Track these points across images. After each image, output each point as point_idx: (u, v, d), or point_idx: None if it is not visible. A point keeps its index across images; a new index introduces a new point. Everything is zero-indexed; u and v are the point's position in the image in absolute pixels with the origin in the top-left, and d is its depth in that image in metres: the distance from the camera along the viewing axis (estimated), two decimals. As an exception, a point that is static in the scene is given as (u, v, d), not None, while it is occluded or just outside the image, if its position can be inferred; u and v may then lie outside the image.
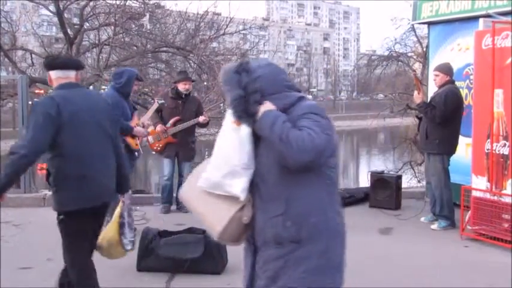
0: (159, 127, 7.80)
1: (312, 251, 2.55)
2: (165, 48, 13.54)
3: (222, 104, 13.13)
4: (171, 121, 7.85)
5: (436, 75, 7.14)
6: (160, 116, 7.91)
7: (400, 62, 19.86)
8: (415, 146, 14.04)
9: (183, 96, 7.94)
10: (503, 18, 6.52)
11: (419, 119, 7.43)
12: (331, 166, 2.61)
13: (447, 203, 7.02)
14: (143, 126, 6.93)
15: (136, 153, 6.69)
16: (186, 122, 7.84)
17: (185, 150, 7.98)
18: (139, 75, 6.98)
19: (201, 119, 7.87)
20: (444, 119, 6.83)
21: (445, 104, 6.79)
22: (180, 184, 8.12)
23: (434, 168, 7.07)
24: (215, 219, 2.63)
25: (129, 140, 6.55)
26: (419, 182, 13.75)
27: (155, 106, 7.50)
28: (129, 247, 4.16)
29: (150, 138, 7.85)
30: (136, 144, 6.66)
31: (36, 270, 5.40)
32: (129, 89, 6.59)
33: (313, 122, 2.49)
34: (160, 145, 7.87)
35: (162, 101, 7.94)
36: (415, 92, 7.26)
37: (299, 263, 2.55)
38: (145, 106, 9.59)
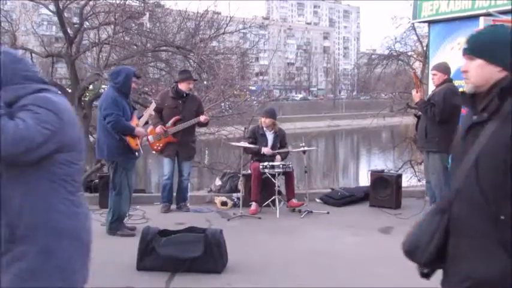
0: (159, 128, 7.78)
1: (26, 252, 2.39)
2: (165, 48, 13.53)
3: (222, 104, 13.15)
4: (171, 121, 7.84)
5: (434, 75, 7.15)
6: (160, 116, 7.90)
7: (400, 61, 19.89)
8: (415, 145, 14.05)
9: (184, 95, 7.93)
10: (504, 17, 6.53)
11: (418, 117, 7.43)
12: (61, 162, 2.43)
13: (447, 201, 7.01)
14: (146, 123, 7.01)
15: (136, 153, 6.69)
16: (186, 121, 7.83)
17: (185, 149, 7.98)
18: (136, 72, 6.97)
19: (202, 118, 7.86)
20: (443, 117, 6.84)
21: (445, 102, 6.80)
22: (180, 183, 8.13)
23: (434, 167, 7.07)
24: None
25: (130, 140, 6.55)
26: (419, 181, 13.77)
27: (153, 106, 7.50)
28: None
29: (150, 137, 7.84)
30: (137, 144, 6.65)
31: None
32: (128, 87, 6.59)
33: (30, 114, 2.32)
34: (161, 145, 7.86)
35: (158, 100, 7.98)
36: (414, 91, 7.26)
37: (13, 263, 2.39)
38: (146, 105, 9.59)
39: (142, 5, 13.78)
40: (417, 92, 7.15)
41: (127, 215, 6.97)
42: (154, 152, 8.17)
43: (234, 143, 9.03)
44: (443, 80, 7.05)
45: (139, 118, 6.90)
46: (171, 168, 7.98)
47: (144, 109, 7.81)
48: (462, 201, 2.26)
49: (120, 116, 6.43)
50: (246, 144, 8.20)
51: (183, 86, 7.90)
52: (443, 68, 7.14)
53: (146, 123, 7.30)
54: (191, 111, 7.91)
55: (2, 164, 2.35)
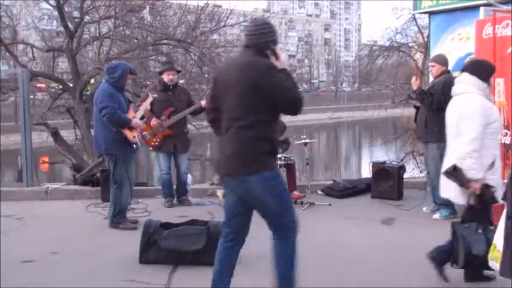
0: (154, 121, 7.70)
1: None
2: (165, 41, 13.50)
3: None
4: (165, 113, 7.78)
5: (432, 66, 7.16)
6: (151, 110, 7.76)
7: (401, 52, 19.84)
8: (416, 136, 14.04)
9: (171, 87, 7.85)
10: (504, 7, 6.51)
11: (417, 108, 7.43)
12: None
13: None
14: (142, 118, 6.97)
15: (134, 145, 6.69)
16: (179, 112, 7.77)
17: (182, 141, 7.93)
18: (132, 69, 6.96)
19: (203, 103, 7.65)
20: (441, 106, 6.83)
21: (443, 91, 6.80)
22: (179, 178, 8.06)
23: (433, 157, 7.08)
24: None
25: (127, 132, 6.56)
26: (421, 172, 13.76)
27: (149, 100, 7.43)
28: None
29: (145, 134, 7.74)
30: (134, 137, 6.65)
31: (39, 263, 5.42)
32: (123, 83, 6.62)
33: None
34: (158, 140, 7.78)
35: (155, 95, 7.82)
36: (413, 78, 7.28)
37: None
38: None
39: (143, -2, 13.76)
40: (416, 80, 7.16)
41: (129, 208, 6.99)
42: (151, 148, 8.09)
43: None
44: (441, 71, 7.07)
45: (135, 111, 6.91)
46: (168, 163, 7.94)
47: (141, 102, 7.70)
48: None
49: (116, 109, 6.44)
50: None
51: (164, 77, 7.83)
52: (442, 60, 7.15)
53: (142, 117, 7.30)
54: (183, 101, 7.82)
55: None
